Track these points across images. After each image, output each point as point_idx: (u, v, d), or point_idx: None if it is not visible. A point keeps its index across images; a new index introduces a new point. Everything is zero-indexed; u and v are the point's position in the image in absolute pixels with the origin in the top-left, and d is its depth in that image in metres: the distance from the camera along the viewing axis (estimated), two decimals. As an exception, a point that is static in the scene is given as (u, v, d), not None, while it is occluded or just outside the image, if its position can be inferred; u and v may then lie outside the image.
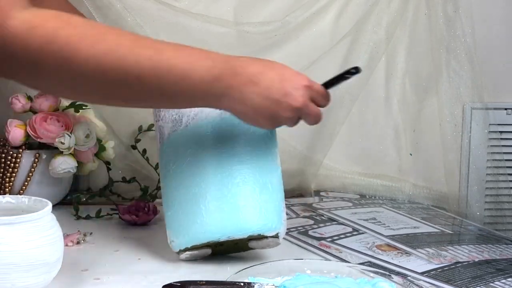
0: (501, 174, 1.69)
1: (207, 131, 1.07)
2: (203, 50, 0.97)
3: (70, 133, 1.32)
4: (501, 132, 1.70)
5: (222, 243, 1.06)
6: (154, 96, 0.95)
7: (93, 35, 0.90)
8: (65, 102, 1.39)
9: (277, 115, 0.98)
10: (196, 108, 1.07)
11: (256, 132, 1.07)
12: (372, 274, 0.98)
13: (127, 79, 0.91)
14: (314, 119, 1.01)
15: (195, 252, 1.07)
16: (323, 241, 1.24)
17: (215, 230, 1.04)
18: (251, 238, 1.06)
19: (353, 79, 1.58)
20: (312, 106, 1.00)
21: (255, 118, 0.98)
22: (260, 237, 1.06)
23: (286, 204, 1.11)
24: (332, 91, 1.60)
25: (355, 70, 1.04)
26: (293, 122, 1.01)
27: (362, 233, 1.31)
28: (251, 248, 1.09)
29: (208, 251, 1.07)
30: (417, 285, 0.97)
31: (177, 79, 0.93)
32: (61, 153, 1.33)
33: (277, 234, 1.07)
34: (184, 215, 1.06)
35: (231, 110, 0.98)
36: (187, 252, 1.07)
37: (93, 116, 1.42)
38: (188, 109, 1.08)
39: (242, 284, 0.91)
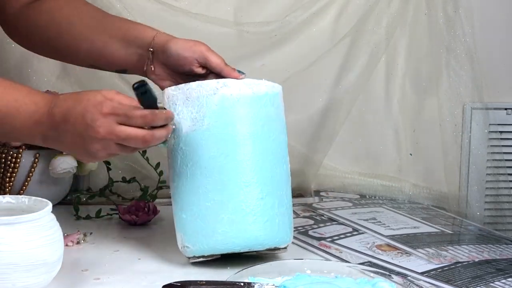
0: (501, 174, 1.70)
1: (230, 138, 1.04)
2: (31, 91, 1.00)
3: (70, 133, 1.32)
4: (501, 132, 1.70)
5: None
6: None
7: None
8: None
9: (88, 149, 0.98)
10: (219, 111, 1.04)
11: (275, 141, 1.06)
12: (372, 274, 0.98)
13: None
14: (136, 142, 0.97)
15: (209, 258, 1.06)
16: (323, 241, 1.24)
17: (237, 242, 1.04)
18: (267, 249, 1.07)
19: (353, 79, 1.61)
20: (125, 130, 0.95)
21: (74, 154, 1.04)
22: (274, 249, 1.08)
23: (286, 204, 1.12)
24: (331, 91, 1.63)
25: (139, 84, 0.96)
26: (112, 151, 0.98)
27: (362, 233, 1.31)
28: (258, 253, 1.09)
29: (218, 255, 1.07)
30: (417, 285, 0.97)
31: (1, 121, 0.97)
32: (61, 153, 1.33)
33: (288, 245, 1.09)
34: (203, 222, 1.04)
35: (55, 148, 1.03)
36: (201, 259, 1.06)
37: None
38: (210, 110, 1.04)
39: (242, 284, 0.91)
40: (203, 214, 1.04)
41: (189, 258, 1.07)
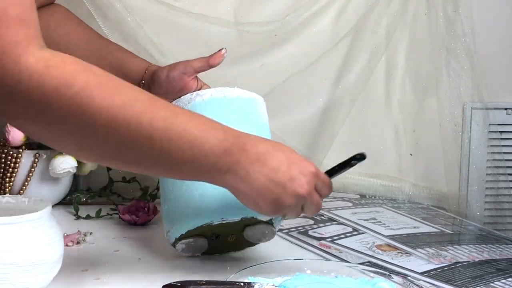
0: (501, 174, 1.70)
1: None
2: (215, 121, 0.92)
3: (70, 133, 1.32)
4: (501, 132, 1.70)
5: (217, 232, 1.06)
6: (159, 161, 0.88)
7: (111, 85, 0.84)
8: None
9: (280, 200, 0.92)
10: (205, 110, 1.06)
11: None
12: (372, 274, 0.98)
13: (138, 137, 0.84)
14: (315, 210, 0.96)
15: (190, 240, 1.06)
16: (323, 241, 1.24)
17: (209, 213, 1.04)
18: (245, 224, 1.06)
19: (353, 79, 1.61)
20: (316, 195, 0.95)
21: (256, 201, 0.93)
22: (254, 222, 1.06)
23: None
24: (331, 91, 1.63)
25: (360, 157, 0.99)
26: (294, 211, 0.96)
27: (362, 233, 1.31)
28: (249, 243, 1.09)
29: (204, 243, 1.07)
30: (417, 285, 0.97)
31: (188, 145, 0.87)
32: (61, 153, 1.33)
33: (271, 220, 1.07)
34: (179, 204, 1.06)
35: (233, 188, 0.92)
36: (183, 241, 1.06)
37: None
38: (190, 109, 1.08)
39: (242, 284, 0.91)
40: (179, 199, 1.06)
41: (174, 245, 1.08)
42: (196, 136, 0.87)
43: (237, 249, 1.11)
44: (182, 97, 1.11)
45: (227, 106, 1.09)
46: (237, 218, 1.05)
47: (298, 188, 0.92)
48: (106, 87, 0.83)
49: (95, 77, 0.82)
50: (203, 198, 1.04)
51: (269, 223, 1.07)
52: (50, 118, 0.81)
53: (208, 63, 1.14)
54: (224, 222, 1.05)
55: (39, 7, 1.18)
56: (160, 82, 1.14)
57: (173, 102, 1.10)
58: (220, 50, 1.14)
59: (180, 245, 1.08)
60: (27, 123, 0.84)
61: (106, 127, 0.82)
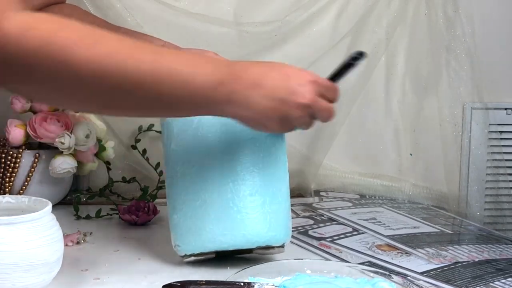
0: (501, 174, 1.70)
1: (217, 134, 1.04)
2: (203, 56, 0.93)
3: (70, 133, 1.33)
4: (501, 132, 1.70)
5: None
6: (153, 104, 0.90)
7: (92, 38, 0.85)
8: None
9: (287, 115, 0.92)
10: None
11: (268, 137, 1.05)
12: (372, 274, 0.98)
13: (126, 85, 0.85)
14: (327, 115, 0.96)
15: (201, 257, 1.06)
16: (323, 241, 1.24)
17: (224, 239, 1.03)
18: (258, 248, 1.06)
19: (353, 79, 1.61)
20: (322, 101, 0.94)
21: (263, 123, 0.93)
22: (267, 247, 1.06)
23: (286, 204, 1.11)
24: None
25: (360, 56, 0.99)
26: (305, 121, 0.95)
27: (362, 233, 1.31)
28: (250, 251, 1.09)
29: (212, 256, 1.07)
30: (417, 285, 0.97)
31: (178, 84, 0.87)
32: (61, 153, 1.33)
33: (283, 244, 1.08)
34: (192, 221, 1.04)
35: (237, 117, 0.92)
36: (193, 258, 1.06)
37: (93, 116, 1.42)
38: None
39: (242, 284, 0.91)
40: (192, 213, 1.04)
41: (182, 257, 1.07)
42: (186, 73, 0.87)
43: (243, 253, 1.10)
44: None
45: None
46: (252, 247, 1.05)
47: (301, 99, 0.92)
48: (87, 39, 0.84)
49: (75, 32, 0.84)
50: (219, 222, 1.03)
51: (281, 246, 1.07)
52: (39, 78, 0.84)
53: None
54: (238, 249, 1.05)
55: (50, 4, 1.19)
56: None
57: None
58: None
59: (189, 259, 1.07)
60: (20, 86, 0.87)
61: (93, 80, 0.84)
